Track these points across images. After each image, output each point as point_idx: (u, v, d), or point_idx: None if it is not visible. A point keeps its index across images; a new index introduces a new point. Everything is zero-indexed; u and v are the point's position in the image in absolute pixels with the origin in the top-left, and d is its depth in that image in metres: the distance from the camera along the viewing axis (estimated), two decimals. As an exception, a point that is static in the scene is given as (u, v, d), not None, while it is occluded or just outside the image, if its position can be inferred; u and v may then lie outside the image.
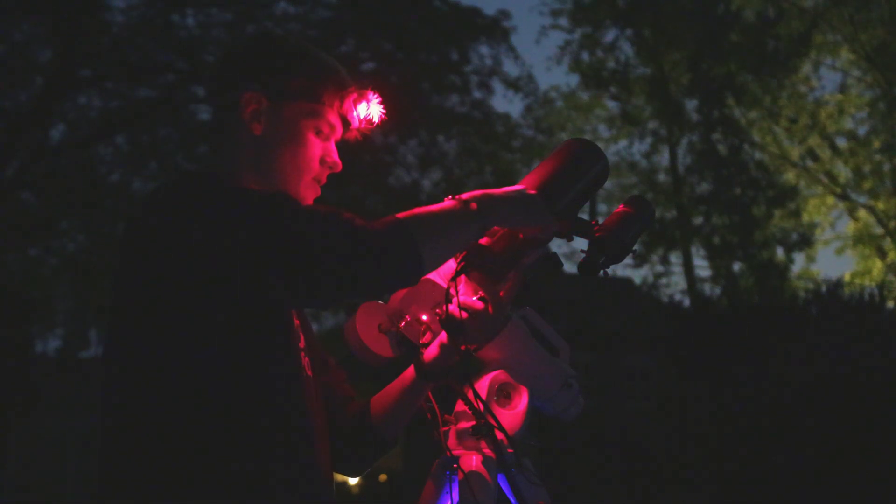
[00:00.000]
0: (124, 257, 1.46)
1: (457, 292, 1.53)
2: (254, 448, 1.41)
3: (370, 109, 1.64)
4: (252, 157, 1.59)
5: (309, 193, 1.64)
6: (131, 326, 1.43)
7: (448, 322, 1.54)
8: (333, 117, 1.64)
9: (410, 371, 1.71)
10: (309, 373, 1.60)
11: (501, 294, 1.56)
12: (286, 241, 1.33)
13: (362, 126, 1.66)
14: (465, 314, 1.54)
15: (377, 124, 1.66)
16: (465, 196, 1.51)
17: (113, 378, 1.44)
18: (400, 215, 1.43)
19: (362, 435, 1.76)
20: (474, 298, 1.56)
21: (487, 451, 1.61)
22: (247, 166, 1.59)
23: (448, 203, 1.50)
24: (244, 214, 1.36)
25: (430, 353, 1.65)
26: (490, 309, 1.55)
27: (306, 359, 1.61)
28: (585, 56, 20.21)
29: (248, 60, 1.64)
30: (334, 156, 1.66)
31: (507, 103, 45.19)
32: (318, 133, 1.63)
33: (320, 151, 1.63)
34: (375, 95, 1.64)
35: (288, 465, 1.45)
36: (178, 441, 1.38)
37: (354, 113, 1.64)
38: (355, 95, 1.63)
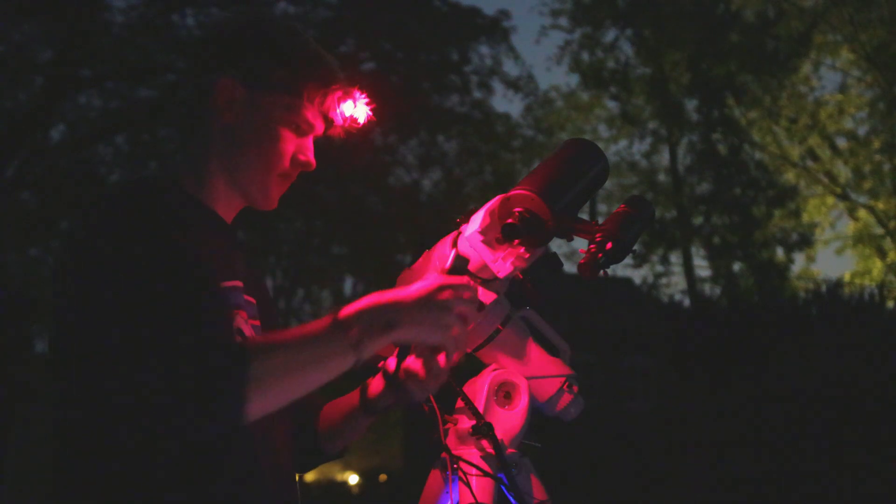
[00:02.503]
0: (56, 275, 1.39)
1: (406, 354, 1.48)
2: (197, 459, 1.34)
3: (356, 109, 1.56)
4: (220, 148, 1.53)
5: (275, 190, 1.57)
6: (64, 342, 1.38)
7: (387, 375, 1.61)
8: (312, 114, 1.55)
9: (356, 396, 1.68)
10: None
11: (454, 359, 1.47)
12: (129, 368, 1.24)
13: (347, 125, 1.57)
14: (402, 374, 1.54)
15: (363, 125, 1.58)
16: (351, 312, 1.32)
17: (57, 394, 1.38)
18: (255, 350, 1.27)
19: (306, 439, 1.71)
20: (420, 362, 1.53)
21: (488, 450, 1.61)
22: (214, 157, 1.53)
23: (324, 325, 1.31)
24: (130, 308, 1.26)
25: (375, 388, 1.64)
26: (422, 373, 1.55)
27: None
28: (585, 56, 20.26)
29: (228, 44, 1.55)
30: (308, 154, 1.57)
31: (507, 103, 45.27)
32: (295, 129, 1.55)
33: (293, 148, 1.55)
34: (363, 95, 1.56)
35: (234, 473, 1.39)
36: (118, 455, 1.31)
37: (338, 111, 1.56)
38: (340, 94, 1.55)
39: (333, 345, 1.30)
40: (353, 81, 1.57)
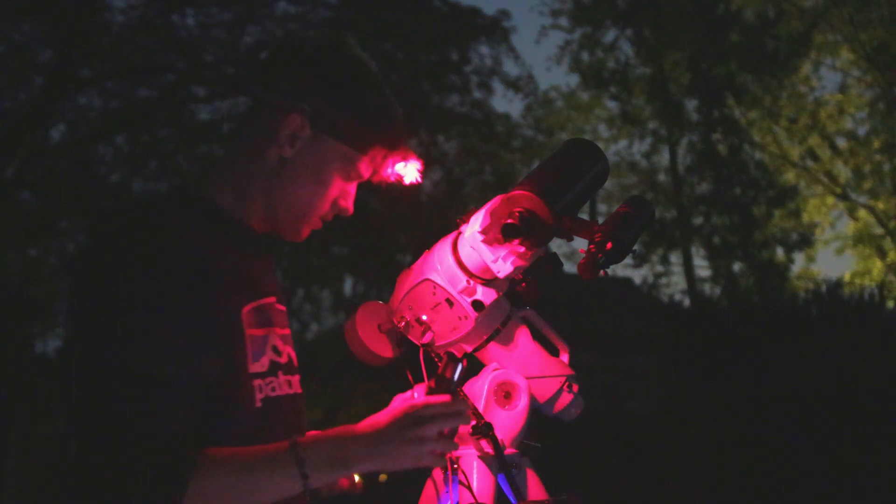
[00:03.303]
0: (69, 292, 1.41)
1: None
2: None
3: (406, 169, 1.58)
4: (268, 177, 1.53)
5: (307, 229, 1.58)
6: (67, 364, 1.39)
7: None
8: (366, 167, 1.57)
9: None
10: (298, 390, 1.57)
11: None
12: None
13: (391, 179, 1.59)
14: None
15: (408, 185, 1.60)
16: (310, 442, 1.33)
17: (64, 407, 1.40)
18: (202, 465, 1.26)
19: None
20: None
21: (488, 450, 1.61)
22: (262, 181, 1.53)
23: (279, 450, 1.31)
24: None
25: None
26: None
27: (293, 377, 1.56)
28: (585, 56, 20.23)
29: (309, 76, 1.53)
30: (349, 200, 1.59)
31: (507, 103, 45.17)
32: (345, 176, 1.56)
33: (337, 192, 1.57)
34: (418, 161, 1.59)
35: None
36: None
37: (390, 170, 1.59)
38: (399, 158, 1.58)
39: (282, 474, 1.29)
40: (411, 139, 1.58)
